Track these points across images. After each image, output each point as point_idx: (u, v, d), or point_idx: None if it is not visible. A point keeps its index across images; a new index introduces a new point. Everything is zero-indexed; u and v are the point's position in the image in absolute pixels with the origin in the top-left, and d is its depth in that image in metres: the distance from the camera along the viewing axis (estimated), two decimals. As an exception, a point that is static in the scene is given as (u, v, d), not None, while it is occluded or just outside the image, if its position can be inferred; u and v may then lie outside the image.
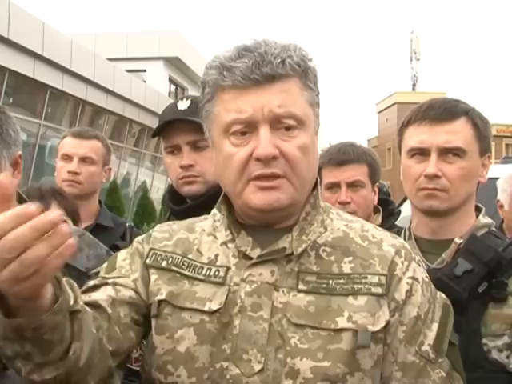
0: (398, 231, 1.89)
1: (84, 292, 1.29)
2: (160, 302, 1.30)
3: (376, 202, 2.64)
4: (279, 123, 1.23)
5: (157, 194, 20.64)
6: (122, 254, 1.41)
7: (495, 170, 4.53)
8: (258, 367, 1.22)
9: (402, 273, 1.28)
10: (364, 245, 1.31)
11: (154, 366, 1.28)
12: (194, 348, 1.25)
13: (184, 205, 2.16)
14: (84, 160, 2.85)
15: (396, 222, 2.78)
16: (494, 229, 1.79)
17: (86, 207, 2.85)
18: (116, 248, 2.22)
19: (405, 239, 1.80)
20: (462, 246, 1.67)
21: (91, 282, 1.35)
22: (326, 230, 1.33)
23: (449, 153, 1.68)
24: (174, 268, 1.33)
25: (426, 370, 1.26)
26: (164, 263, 1.35)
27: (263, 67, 1.21)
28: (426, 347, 1.27)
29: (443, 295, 1.36)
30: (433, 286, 1.35)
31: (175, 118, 2.03)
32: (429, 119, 1.69)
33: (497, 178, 4.03)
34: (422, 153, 1.71)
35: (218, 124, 1.28)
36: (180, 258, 1.34)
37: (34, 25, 13.39)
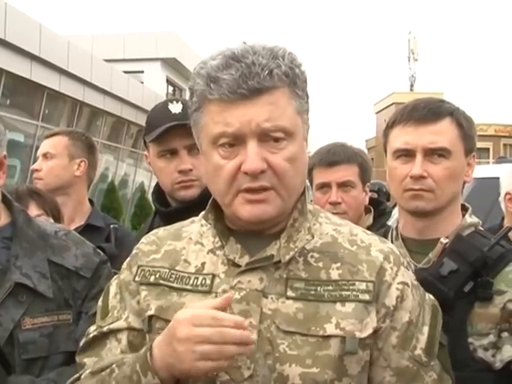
0: (386, 231, 1.90)
1: (87, 347, 1.38)
2: (150, 317, 1.32)
3: (367, 202, 2.65)
4: (267, 136, 1.23)
5: (155, 195, 20.57)
6: (113, 288, 1.44)
7: (491, 169, 4.52)
8: (247, 373, 1.23)
9: (392, 278, 1.29)
10: (352, 249, 1.32)
11: None
12: None
13: (171, 207, 2.16)
14: (45, 156, 2.94)
15: (390, 223, 2.78)
16: (481, 228, 1.80)
17: (66, 204, 2.83)
18: (101, 250, 2.23)
19: (392, 239, 1.81)
20: (448, 246, 1.67)
21: (91, 332, 1.40)
22: (313, 237, 1.32)
23: (434, 153, 1.69)
24: (161, 282, 1.35)
25: (420, 373, 1.28)
26: (152, 278, 1.36)
27: (250, 80, 1.20)
28: (418, 351, 1.28)
29: (431, 296, 1.38)
30: (422, 288, 1.37)
31: (175, 124, 2.03)
32: (413, 120, 1.70)
33: (493, 178, 4.01)
34: (407, 154, 1.71)
35: (206, 134, 1.28)
36: (167, 271, 1.35)
37: (31, 26, 13.36)
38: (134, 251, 1.45)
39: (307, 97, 1.31)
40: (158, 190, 2.23)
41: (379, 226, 2.50)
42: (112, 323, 1.38)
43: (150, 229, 2.15)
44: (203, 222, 1.39)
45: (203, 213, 1.39)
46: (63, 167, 2.92)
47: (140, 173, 21.97)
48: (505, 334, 1.58)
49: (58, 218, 2.41)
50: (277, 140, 1.24)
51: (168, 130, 2.04)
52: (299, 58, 1.29)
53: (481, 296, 1.60)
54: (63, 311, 1.69)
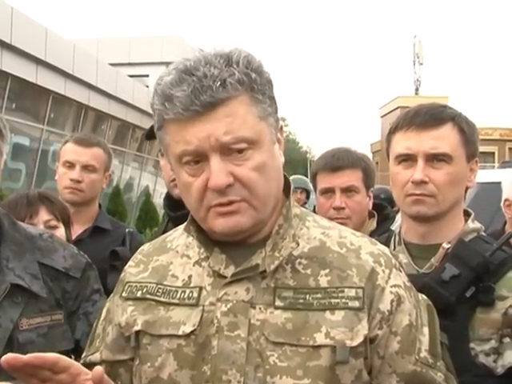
0: (389, 236, 1.91)
1: None
2: (137, 332, 1.31)
3: (371, 207, 2.65)
4: (229, 149, 1.19)
5: (160, 199, 20.60)
6: (103, 312, 1.44)
7: (494, 174, 4.51)
8: None
9: (385, 282, 1.26)
10: (342, 252, 1.28)
11: None
12: (175, 373, 1.25)
13: (181, 211, 2.18)
14: (86, 168, 2.84)
15: (394, 228, 2.79)
16: (484, 233, 1.80)
17: (87, 212, 2.89)
18: (115, 254, 2.23)
19: (395, 244, 1.82)
20: (450, 251, 1.68)
21: (82, 358, 1.40)
22: (298, 244, 1.29)
23: (435, 159, 1.69)
24: (148, 296, 1.33)
25: (430, 375, 1.26)
26: (139, 293, 1.34)
27: (202, 95, 1.16)
28: (423, 353, 1.26)
29: (424, 296, 1.36)
30: (414, 289, 1.35)
31: None
32: (415, 125, 1.70)
33: (497, 183, 4.01)
34: (409, 159, 1.72)
35: (171, 153, 1.25)
36: (155, 285, 1.34)
37: (37, 30, 13.44)
38: (122, 274, 1.43)
39: (270, 99, 1.26)
40: (169, 196, 2.26)
41: (383, 231, 2.50)
42: (93, 354, 1.39)
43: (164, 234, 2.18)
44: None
45: (185, 224, 1.37)
46: (100, 181, 2.92)
47: (145, 176, 22.03)
48: (506, 340, 1.59)
49: (67, 223, 2.40)
50: (241, 151, 1.20)
51: None
52: (256, 60, 1.23)
53: (482, 301, 1.60)
54: (55, 311, 1.70)
